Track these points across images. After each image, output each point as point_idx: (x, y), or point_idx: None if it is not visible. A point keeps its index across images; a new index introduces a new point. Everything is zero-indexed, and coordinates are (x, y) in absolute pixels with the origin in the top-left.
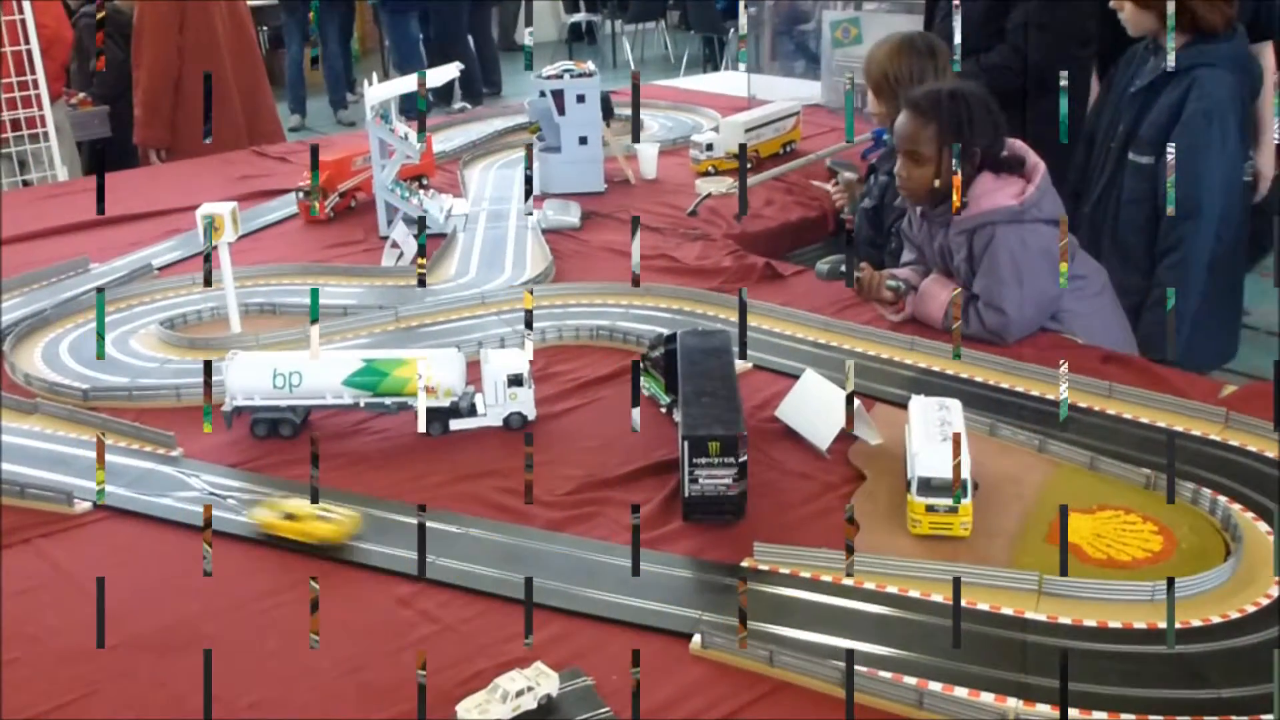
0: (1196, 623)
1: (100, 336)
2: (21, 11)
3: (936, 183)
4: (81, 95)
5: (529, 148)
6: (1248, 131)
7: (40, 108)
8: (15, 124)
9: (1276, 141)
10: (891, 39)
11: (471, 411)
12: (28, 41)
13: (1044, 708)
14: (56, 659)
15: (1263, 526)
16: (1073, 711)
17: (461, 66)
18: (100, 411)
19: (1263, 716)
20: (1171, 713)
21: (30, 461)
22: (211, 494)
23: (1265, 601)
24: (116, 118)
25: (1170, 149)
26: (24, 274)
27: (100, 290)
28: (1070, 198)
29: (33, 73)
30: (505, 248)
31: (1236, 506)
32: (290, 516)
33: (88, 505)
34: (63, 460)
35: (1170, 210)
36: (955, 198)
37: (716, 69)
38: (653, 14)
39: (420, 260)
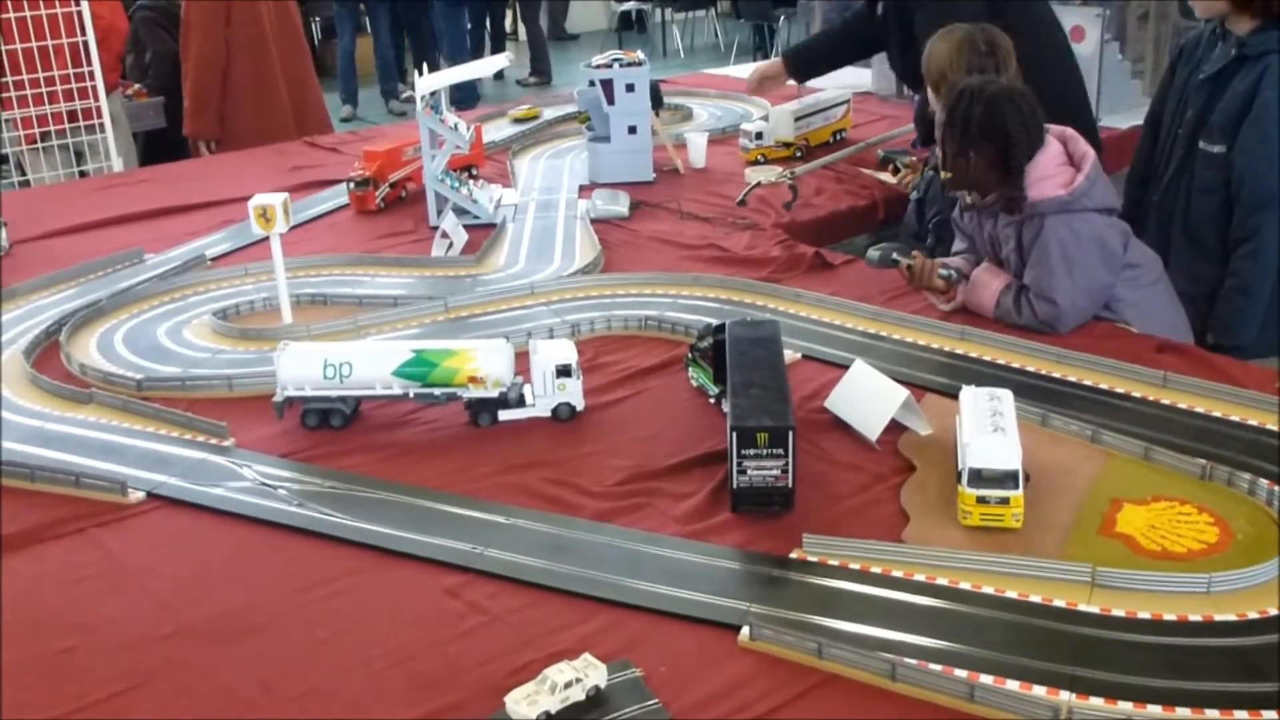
0: (1253, 615)
1: None
2: (79, 3)
3: (942, 174)
4: (137, 87)
5: None
6: None
7: (96, 99)
8: (72, 115)
9: None
10: (953, 35)
11: (520, 402)
12: (84, 33)
13: (1097, 701)
14: (111, 648)
15: None
16: (1127, 705)
17: (510, 56)
18: (154, 402)
19: None
20: (1228, 706)
21: (85, 451)
22: (263, 484)
23: None
24: (171, 109)
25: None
26: (79, 264)
27: None
28: (1137, 184)
29: (89, 64)
30: (554, 238)
31: None
32: None
33: (141, 495)
34: (117, 450)
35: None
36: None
37: (767, 57)
38: (702, 2)
39: None
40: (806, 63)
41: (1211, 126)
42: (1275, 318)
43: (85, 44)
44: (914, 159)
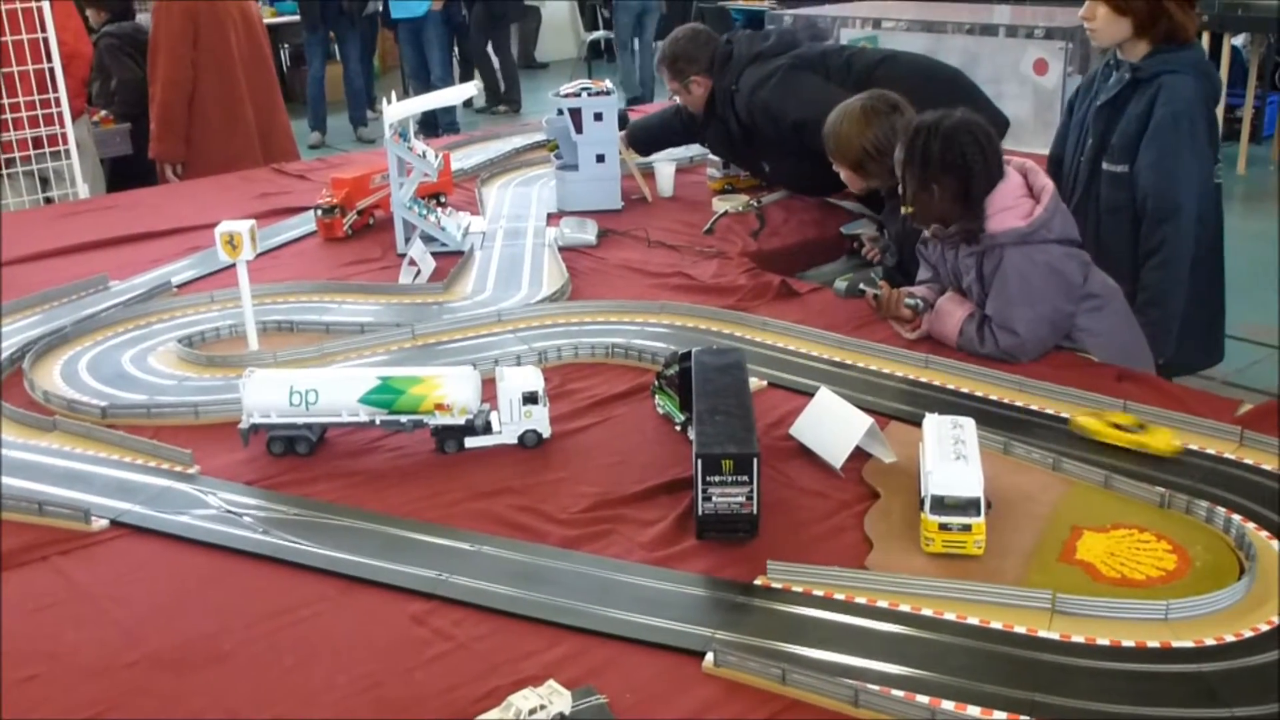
0: (1210, 641)
1: None
2: (44, 30)
3: (905, 209)
4: (103, 113)
5: None
6: (1214, 136)
7: (62, 125)
8: (37, 141)
9: None
10: (849, 112)
11: (487, 429)
12: (50, 60)
13: None
14: (74, 676)
15: (1277, 545)
16: None
17: (480, 84)
18: (118, 429)
19: None
20: None
21: (48, 479)
22: (228, 512)
23: (1279, 620)
24: (137, 135)
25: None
26: (43, 291)
27: None
28: None
29: (54, 90)
30: (522, 265)
31: (1250, 525)
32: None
33: (105, 523)
34: (81, 477)
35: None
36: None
37: None
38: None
39: None
40: (647, 143)
41: (1113, 148)
42: (1194, 331)
43: (51, 70)
44: (874, 229)
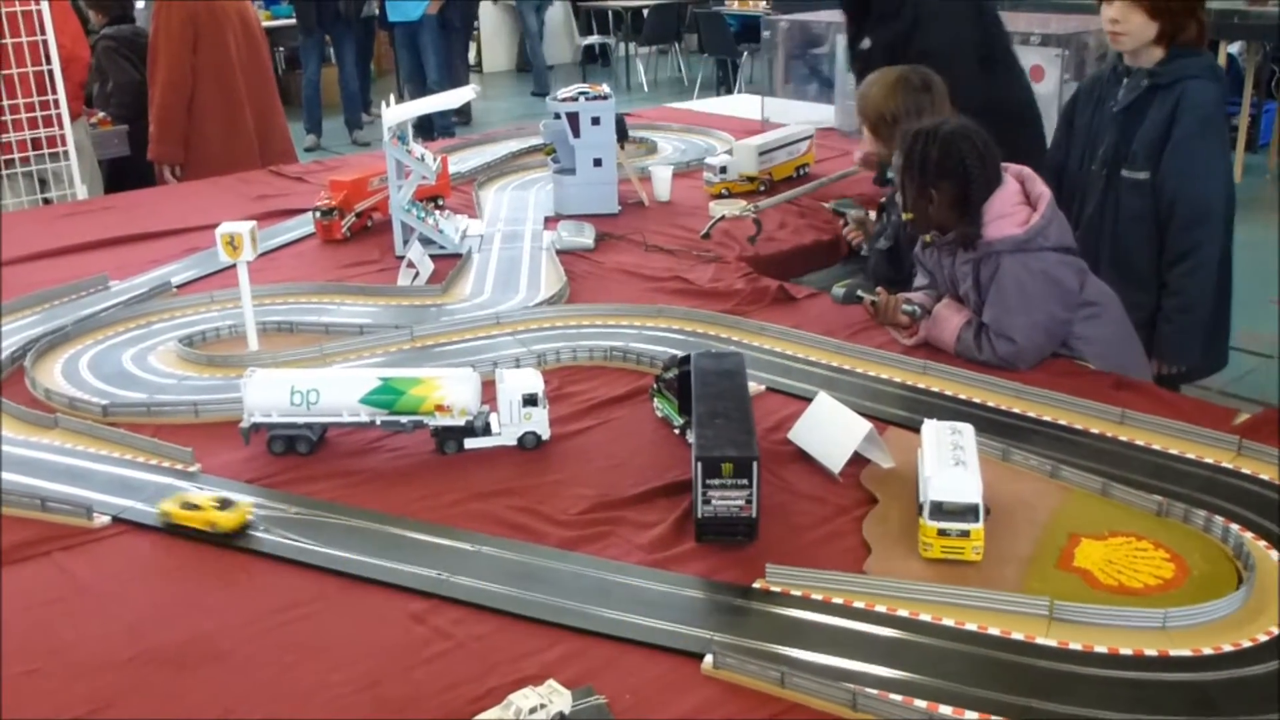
0: (1208, 650)
1: None
2: (44, 32)
3: (904, 215)
4: (101, 115)
5: None
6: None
7: (60, 127)
8: (36, 143)
9: None
10: (886, 76)
11: (486, 431)
12: (49, 62)
13: None
14: (74, 671)
15: (1275, 555)
16: None
17: (477, 88)
18: (119, 427)
19: None
20: None
21: (50, 476)
22: None
23: (1277, 630)
24: (135, 137)
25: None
26: (44, 290)
27: None
28: None
29: (53, 92)
30: (520, 268)
31: (1248, 534)
32: (190, 506)
33: (107, 519)
34: (82, 475)
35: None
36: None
37: (730, 92)
38: (667, 37)
39: None
40: None
41: (1135, 155)
42: (1215, 335)
43: (50, 72)
44: (861, 214)
